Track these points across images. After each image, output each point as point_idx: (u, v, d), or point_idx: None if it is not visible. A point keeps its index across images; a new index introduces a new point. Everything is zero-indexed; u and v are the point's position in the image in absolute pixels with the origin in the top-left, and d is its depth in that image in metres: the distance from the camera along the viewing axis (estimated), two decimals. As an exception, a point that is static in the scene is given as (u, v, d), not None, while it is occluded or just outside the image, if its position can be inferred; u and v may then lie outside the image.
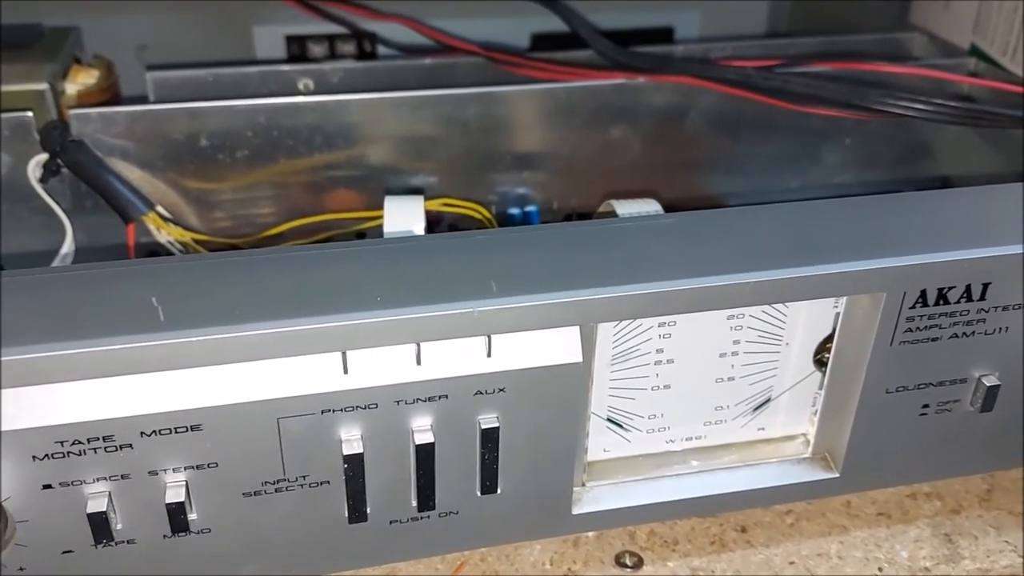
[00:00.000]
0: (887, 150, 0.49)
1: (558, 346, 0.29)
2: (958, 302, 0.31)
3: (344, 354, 0.27)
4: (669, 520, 0.36)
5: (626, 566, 0.34)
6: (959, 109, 0.39)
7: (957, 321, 0.31)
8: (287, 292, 0.27)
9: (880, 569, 0.35)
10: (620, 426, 0.34)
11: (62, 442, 0.26)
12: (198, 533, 0.29)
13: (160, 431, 0.27)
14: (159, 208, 0.41)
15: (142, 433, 0.27)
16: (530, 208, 0.46)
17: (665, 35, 0.63)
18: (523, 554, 0.35)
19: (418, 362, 0.28)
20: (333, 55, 0.59)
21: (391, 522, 0.31)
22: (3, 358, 0.25)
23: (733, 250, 0.30)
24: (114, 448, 0.27)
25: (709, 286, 0.28)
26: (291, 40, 0.58)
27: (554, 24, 0.54)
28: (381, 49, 0.57)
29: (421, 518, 0.31)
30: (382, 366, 0.28)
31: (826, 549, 0.35)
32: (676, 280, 0.28)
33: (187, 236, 0.41)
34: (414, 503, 0.30)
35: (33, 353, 0.25)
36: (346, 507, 0.29)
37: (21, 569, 0.28)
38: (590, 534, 0.35)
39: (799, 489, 0.34)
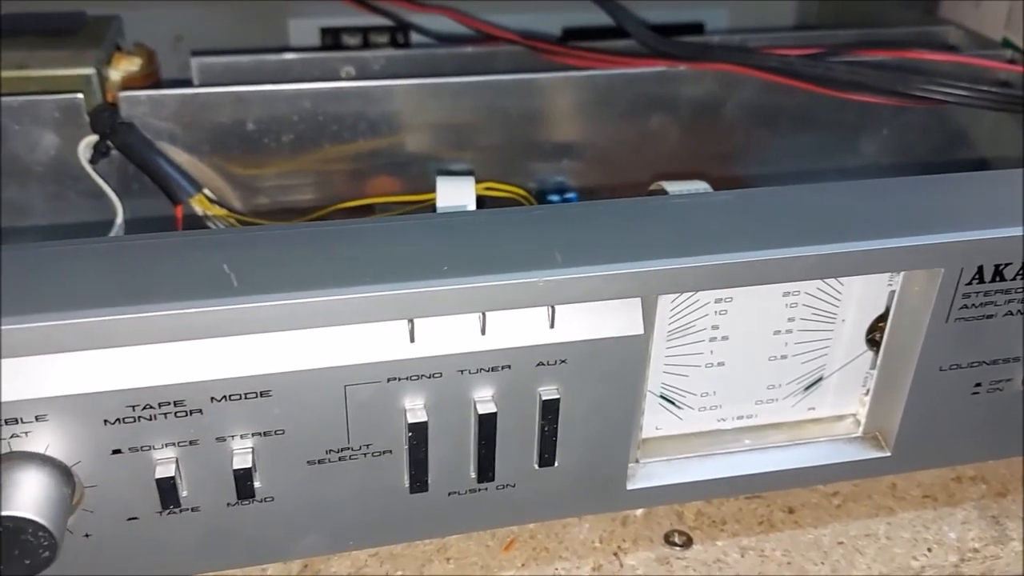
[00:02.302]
0: (924, 140, 0.49)
1: (620, 318, 0.29)
2: (1014, 279, 0.31)
3: (411, 322, 0.27)
4: (721, 497, 0.36)
5: (675, 544, 0.35)
6: (1002, 95, 0.39)
7: (1012, 299, 0.31)
8: (354, 261, 0.27)
9: (929, 550, 0.35)
10: (673, 403, 0.34)
11: (133, 407, 0.26)
12: (262, 501, 0.29)
13: (230, 397, 0.27)
14: (206, 190, 0.41)
15: (212, 399, 0.27)
16: (570, 195, 0.46)
17: (695, 31, 0.63)
18: (572, 532, 0.35)
19: (483, 332, 0.28)
20: (367, 47, 0.59)
21: (450, 493, 0.31)
22: (77, 320, 0.25)
23: (792, 225, 0.30)
24: (184, 413, 0.27)
25: (770, 259, 0.29)
26: (326, 32, 0.59)
27: (585, 18, 0.55)
28: (416, 39, 0.57)
29: (479, 490, 0.31)
30: (448, 335, 0.28)
31: (874, 530, 0.36)
32: (737, 253, 0.28)
33: (233, 218, 0.41)
34: (473, 474, 0.30)
35: (106, 316, 0.25)
36: (407, 477, 0.30)
37: (87, 535, 0.28)
38: (638, 513, 0.36)
39: (851, 468, 0.35)
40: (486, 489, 0.31)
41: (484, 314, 0.28)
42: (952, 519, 0.36)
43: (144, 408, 0.26)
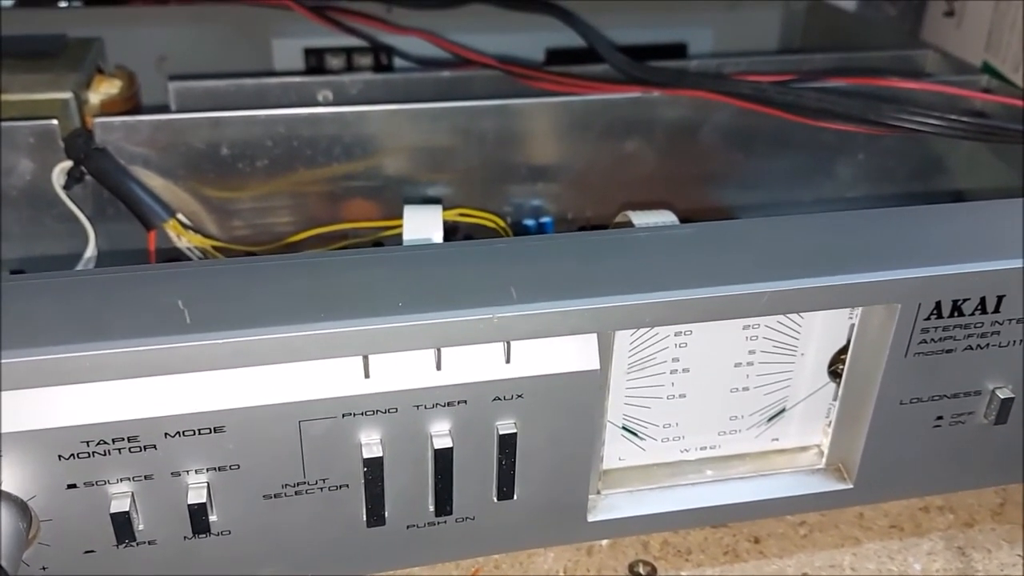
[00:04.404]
0: (900, 166, 0.49)
1: (576, 353, 0.29)
2: (972, 314, 0.31)
3: (366, 358, 0.28)
4: (684, 529, 0.36)
5: (640, 575, 0.35)
6: (972, 124, 0.39)
7: (971, 333, 0.32)
8: (310, 296, 0.28)
9: (893, 581, 0.35)
10: (635, 435, 0.34)
11: (88, 442, 0.26)
12: (218, 535, 0.29)
13: (184, 432, 0.27)
14: (180, 215, 0.41)
15: (166, 434, 0.27)
16: (545, 219, 0.46)
17: (678, 51, 0.64)
18: (536, 562, 0.35)
19: (438, 367, 0.28)
20: (350, 68, 0.59)
21: (408, 526, 0.31)
22: (31, 358, 0.25)
23: (750, 260, 0.30)
24: (138, 449, 0.27)
25: (726, 295, 0.29)
26: (309, 53, 0.59)
27: (568, 39, 0.55)
28: (397, 62, 0.58)
29: (438, 523, 0.31)
30: (403, 371, 0.28)
31: (839, 561, 0.36)
32: (693, 289, 0.29)
33: (207, 243, 0.41)
34: (431, 508, 0.31)
35: (60, 353, 0.25)
36: (364, 511, 0.30)
37: (43, 568, 0.28)
38: (604, 543, 0.36)
39: (813, 500, 0.35)
40: (444, 522, 0.31)
41: (439, 350, 0.28)
42: (918, 550, 0.36)
43: (98, 443, 0.27)
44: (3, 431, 0.26)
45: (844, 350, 0.33)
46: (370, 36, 0.55)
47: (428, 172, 0.45)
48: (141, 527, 0.28)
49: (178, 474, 0.28)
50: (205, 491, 0.28)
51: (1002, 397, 0.33)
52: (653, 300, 0.28)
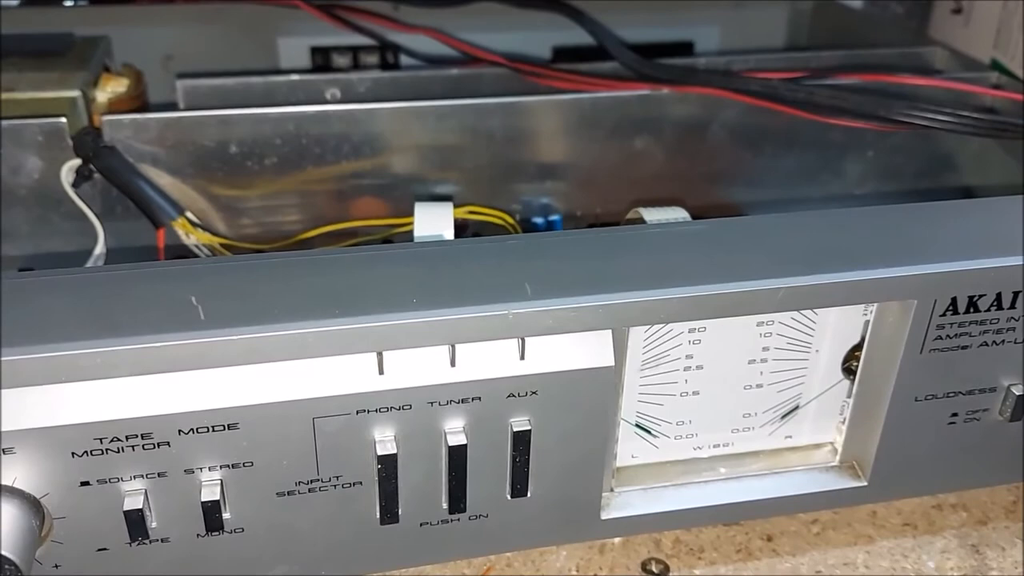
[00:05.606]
0: (910, 162, 0.49)
1: (590, 350, 0.29)
2: (988, 310, 0.31)
3: (380, 355, 0.27)
4: (697, 526, 0.36)
5: (652, 573, 0.34)
6: (983, 121, 0.39)
7: (987, 329, 0.31)
8: (324, 293, 0.27)
9: (907, 579, 0.35)
10: (648, 432, 0.34)
11: (101, 439, 0.26)
12: (231, 532, 0.29)
13: (197, 429, 0.27)
14: (188, 213, 0.41)
15: (180, 431, 0.27)
16: (554, 217, 0.46)
17: (685, 49, 0.63)
18: (549, 560, 0.35)
19: (452, 364, 0.28)
20: (357, 66, 0.59)
21: (422, 524, 0.31)
22: (43, 355, 0.25)
23: (765, 256, 0.30)
24: (152, 446, 0.27)
25: (741, 291, 0.28)
26: (316, 51, 0.59)
27: (575, 37, 0.55)
28: (405, 60, 0.58)
29: (451, 520, 0.31)
30: (417, 367, 0.28)
31: (852, 559, 0.35)
32: (709, 285, 0.28)
33: (215, 241, 0.41)
34: (445, 505, 0.30)
35: (74, 350, 0.25)
36: (378, 508, 0.30)
37: (56, 566, 0.28)
38: (616, 541, 0.36)
39: (827, 497, 0.34)
40: (458, 520, 0.31)
41: (453, 346, 0.28)
42: (931, 548, 0.36)
43: (112, 441, 0.26)
44: (17, 428, 0.26)
45: (858, 347, 0.33)
46: (377, 34, 0.55)
47: (437, 170, 0.45)
48: (154, 525, 0.28)
49: (192, 471, 0.27)
50: (219, 488, 0.28)
51: (1017, 394, 0.33)
52: (668, 296, 0.28)
